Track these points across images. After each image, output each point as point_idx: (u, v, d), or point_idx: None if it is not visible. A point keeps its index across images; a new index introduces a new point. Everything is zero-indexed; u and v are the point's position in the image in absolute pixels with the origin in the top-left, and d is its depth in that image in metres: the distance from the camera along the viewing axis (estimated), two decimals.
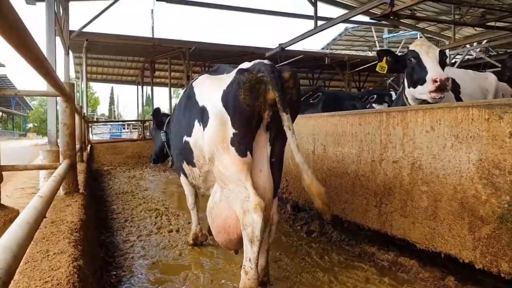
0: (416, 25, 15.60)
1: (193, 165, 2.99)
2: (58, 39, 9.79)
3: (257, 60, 2.67)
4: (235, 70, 2.62)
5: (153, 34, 19.33)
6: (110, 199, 6.35)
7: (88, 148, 11.18)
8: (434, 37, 16.01)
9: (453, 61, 18.00)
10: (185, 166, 3.22)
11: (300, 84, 2.70)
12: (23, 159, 13.71)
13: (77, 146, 5.73)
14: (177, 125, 3.29)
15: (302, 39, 12.07)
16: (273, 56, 15.69)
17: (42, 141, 31.68)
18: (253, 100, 2.43)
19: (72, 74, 26.54)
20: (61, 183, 2.69)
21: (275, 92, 2.40)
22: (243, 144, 2.48)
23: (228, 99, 2.50)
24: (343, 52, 25.41)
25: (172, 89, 20.19)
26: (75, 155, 3.55)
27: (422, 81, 3.70)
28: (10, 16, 1.06)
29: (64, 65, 10.94)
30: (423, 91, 3.68)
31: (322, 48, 30.24)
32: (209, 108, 2.64)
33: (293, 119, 2.56)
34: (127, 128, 31.68)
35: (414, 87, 3.83)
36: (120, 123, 35.40)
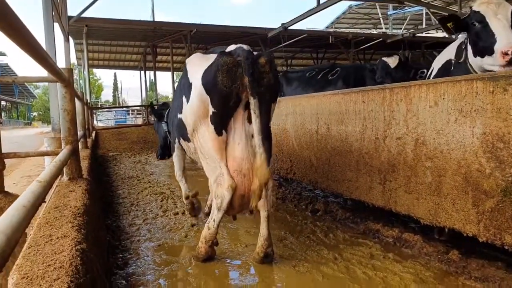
0: (421, 0, 15.28)
1: (188, 140, 3.20)
2: (56, 25, 9.73)
3: (239, 45, 2.87)
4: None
5: (153, 18, 19.15)
6: (116, 184, 6.39)
7: (93, 134, 11.22)
8: (440, 12, 15.69)
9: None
10: (182, 142, 3.46)
11: (277, 69, 2.92)
12: (28, 147, 13.81)
13: (80, 133, 5.75)
14: (175, 103, 3.53)
15: (305, 18, 11.89)
16: (276, 36, 15.50)
17: (47, 129, 31.85)
18: (231, 82, 2.66)
19: (74, 60, 26.51)
20: (62, 168, 2.70)
21: (245, 77, 2.64)
22: (220, 123, 2.77)
23: (208, 79, 2.74)
24: (347, 30, 25.05)
25: (175, 73, 20.10)
26: (77, 140, 3.55)
27: (490, 51, 3.12)
28: None
29: (64, 51, 10.90)
30: (493, 62, 3.12)
31: (326, 27, 29.88)
32: (193, 85, 2.88)
33: (272, 101, 2.87)
34: (132, 114, 31.70)
35: (482, 57, 3.24)
36: (124, 109, 35.41)
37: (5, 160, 3.10)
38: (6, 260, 0.88)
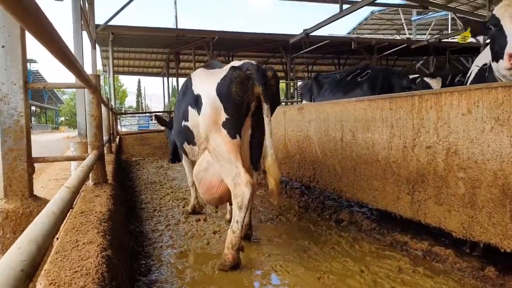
0: (447, 5, 15.00)
1: (194, 143, 3.49)
2: (84, 33, 9.95)
3: (246, 60, 3.23)
4: (227, 66, 3.19)
5: (176, 25, 19.38)
6: (139, 189, 6.44)
7: (117, 139, 11.38)
8: (467, 17, 15.36)
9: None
10: (185, 146, 3.73)
11: (279, 82, 3.26)
12: (56, 151, 14.13)
13: (106, 138, 5.82)
14: (177, 112, 3.80)
15: (327, 24, 11.82)
16: (297, 42, 15.47)
17: (73, 134, 32.57)
18: (243, 92, 2.98)
19: (100, 67, 27.08)
20: (89, 173, 2.71)
21: (259, 87, 2.98)
22: (233, 128, 3.04)
23: (222, 90, 3.03)
24: (370, 36, 24.79)
25: None
26: (102, 146, 3.58)
27: (502, 55, 3.02)
28: (31, 9, 1.04)
29: (91, 58, 11.13)
30: (500, 67, 3.07)
31: (348, 33, 29.67)
32: (203, 96, 3.17)
33: (273, 109, 3.16)
34: (155, 120, 32.09)
35: (497, 61, 3.16)
36: (147, 114, 35.90)
37: (34, 164, 3.15)
38: (37, 269, 0.86)
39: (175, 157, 5.32)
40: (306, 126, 5.13)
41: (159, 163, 10.09)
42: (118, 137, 12.20)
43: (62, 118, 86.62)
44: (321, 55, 23.16)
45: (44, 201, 3.02)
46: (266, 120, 2.98)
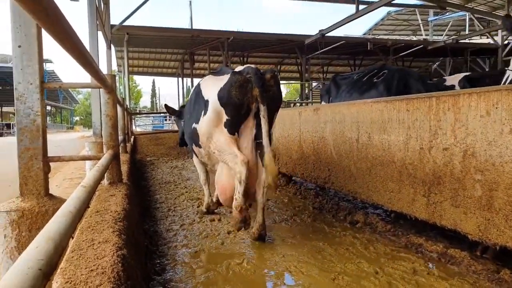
0: (465, 5, 14.76)
1: (200, 146, 3.80)
2: (100, 33, 10.08)
3: (247, 65, 3.51)
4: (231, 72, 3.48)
5: (191, 25, 19.52)
6: (153, 188, 6.49)
7: (132, 139, 11.50)
8: (485, 17, 15.10)
9: (505, 42, 16.95)
10: (194, 148, 4.06)
11: (279, 83, 3.52)
12: (71, 150, 14.34)
13: (121, 137, 5.89)
14: (188, 115, 4.09)
15: (343, 24, 11.75)
16: (313, 43, 15.42)
17: (88, 133, 33.02)
18: (242, 95, 3.28)
19: (115, 67, 27.43)
20: (104, 173, 2.75)
21: (256, 88, 3.25)
22: (232, 127, 3.40)
23: (223, 95, 3.36)
24: (386, 37, 24.56)
25: None
26: (118, 145, 3.62)
27: None
28: (50, 8, 1.05)
29: (106, 58, 11.28)
30: None
31: (364, 34, 29.46)
32: (210, 101, 3.50)
33: (275, 110, 3.53)
34: (169, 120, 32.36)
35: None
36: (162, 114, 36.20)
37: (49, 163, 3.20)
38: (55, 268, 0.87)
39: (183, 142, 5.51)
40: (321, 127, 5.11)
41: (173, 163, 10.16)
42: (132, 137, 12.33)
43: (77, 118, 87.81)
44: (336, 56, 23.05)
45: (59, 200, 3.07)
46: (262, 120, 3.27)
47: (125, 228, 2.44)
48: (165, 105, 5.88)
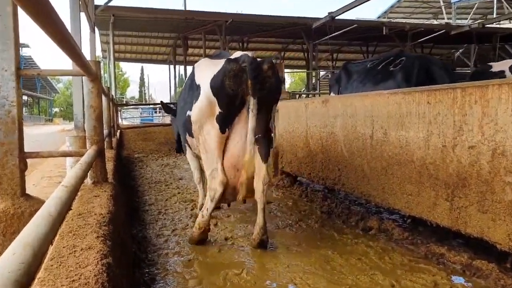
0: None
1: (193, 136, 3.87)
2: (82, 15, 10.06)
3: (244, 52, 3.56)
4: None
5: (185, 6, 19.48)
6: (142, 189, 6.49)
7: (118, 133, 11.50)
8: None
9: None
10: (188, 138, 4.15)
11: (278, 74, 3.57)
12: (49, 146, 14.33)
13: (106, 131, 5.88)
14: (182, 102, 4.18)
15: (356, 6, 11.71)
16: (321, 27, 15.38)
17: (69, 127, 33.02)
18: (237, 86, 3.32)
19: (99, 53, 27.37)
20: (88, 171, 2.74)
21: (249, 80, 3.28)
22: (224, 122, 3.45)
23: (216, 84, 3.40)
24: (403, 21, 24.47)
25: None
26: (103, 140, 3.62)
27: None
28: None
29: (89, 43, 11.25)
30: None
31: (378, 17, 29.41)
32: (201, 87, 3.56)
33: (273, 103, 3.69)
34: (159, 112, 32.38)
35: None
36: (151, 106, 36.21)
37: (26, 160, 3.19)
38: (33, 278, 0.86)
39: (180, 147, 5.48)
40: (331, 121, 5.09)
41: (164, 161, 10.16)
42: (119, 131, 12.33)
43: (57, 109, 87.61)
44: (347, 42, 23.03)
45: (37, 201, 3.06)
46: (250, 114, 3.35)
47: (111, 233, 2.43)
48: (161, 102, 5.89)
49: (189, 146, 4.43)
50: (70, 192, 1.58)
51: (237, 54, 3.64)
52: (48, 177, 8.11)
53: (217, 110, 3.45)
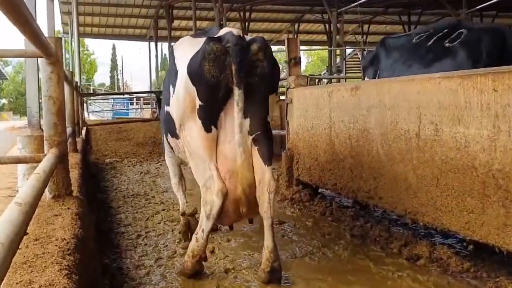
0: None
1: (177, 136, 3.95)
2: None
3: (230, 29, 3.65)
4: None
5: None
6: (116, 204, 6.49)
7: (83, 132, 11.51)
8: None
9: None
10: (170, 139, 4.26)
11: (272, 55, 3.65)
12: None
13: (69, 130, 5.88)
14: (163, 94, 4.40)
15: None
16: None
17: (21, 123, 33.14)
18: (219, 71, 3.36)
19: (58, 27, 27.50)
20: (47, 182, 2.72)
21: (233, 64, 3.32)
22: (208, 118, 3.51)
23: (194, 69, 3.46)
24: None
25: None
26: (65, 142, 3.60)
27: None
28: None
29: (47, 14, 11.26)
30: None
31: None
32: (179, 74, 3.66)
33: (269, 92, 3.70)
34: (137, 104, 32.50)
35: None
36: (126, 96, 36.33)
37: None
38: None
39: None
40: (363, 115, 5.06)
41: (143, 167, 10.18)
42: (84, 128, 12.35)
43: (4, 101, 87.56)
44: (382, 10, 23.00)
45: None
46: (236, 109, 3.41)
47: (77, 264, 2.41)
48: (157, 95, 5.97)
49: (171, 148, 4.52)
50: (25, 213, 1.56)
51: (223, 31, 3.70)
52: None
53: (197, 102, 3.50)
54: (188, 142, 3.69)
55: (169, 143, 4.40)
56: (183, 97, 3.58)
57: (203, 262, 3.77)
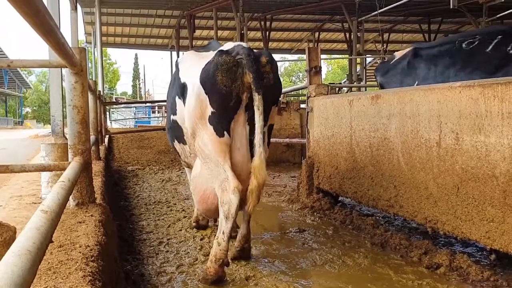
0: None
1: (184, 142, 4.35)
2: None
3: (238, 43, 3.95)
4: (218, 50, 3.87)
5: None
6: (138, 212, 6.53)
7: (106, 140, 11.60)
8: None
9: None
10: (176, 145, 4.64)
11: (277, 69, 4.01)
12: (21, 156, 14.57)
13: (92, 138, 5.95)
14: (168, 103, 4.67)
15: None
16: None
17: (44, 131, 33.49)
18: (231, 82, 3.63)
19: (82, 37, 27.85)
20: (72, 190, 2.76)
21: (249, 74, 3.59)
22: (220, 124, 3.76)
23: (206, 79, 3.73)
24: None
25: None
26: (89, 150, 3.65)
27: None
28: None
29: (70, 24, 11.41)
30: None
31: None
32: (189, 85, 3.94)
33: (272, 103, 4.00)
34: (159, 112, 32.66)
35: None
36: (148, 104, 36.58)
37: None
38: None
39: None
40: (383, 123, 5.04)
41: (165, 175, 10.22)
42: (107, 136, 12.45)
43: (28, 109, 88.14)
44: (402, 18, 22.87)
45: (7, 229, 3.09)
46: (256, 113, 3.64)
47: (101, 270, 2.44)
48: None
49: (178, 154, 4.88)
50: (51, 220, 1.58)
51: (228, 45, 3.99)
52: (18, 196, 8.20)
53: (209, 110, 3.77)
54: (200, 147, 3.94)
55: (175, 148, 4.75)
56: (194, 106, 3.85)
57: (225, 269, 3.81)
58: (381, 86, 6.88)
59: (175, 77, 4.31)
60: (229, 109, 3.76)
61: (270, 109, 3.98)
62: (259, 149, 3.67)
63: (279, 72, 4.13)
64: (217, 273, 3.71)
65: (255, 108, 3.63)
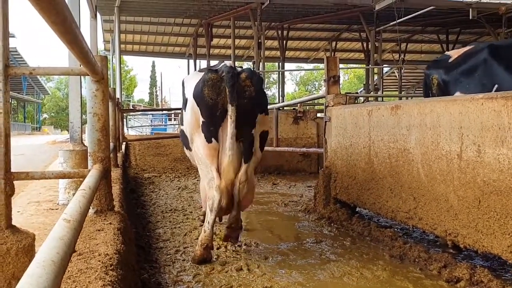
0: None
1: (190, 149, 4.95)
2: None
3: (225, 62, 4.66)
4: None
5: None
6: (154, 219, 6.54)
7: (123, 147, 11.65)
8: None
9: None
10: (186, 151, 5.39)
11: (260, 83, 4.61)
12: (39, 162, 14.68)
13: (111, 145, 5.97)
14: (179, 117, 5.64)
15: None
16: (386, 9, 15.28)
17: (61, 137, 33.73)
18: (216, 95, 4.31)
19: (101, 45, 28.10)
20: (93, 199, 2.75)
21: (226, 88, 4.23)
22: (209, 132, 4.44)
23: (197, 94, 4.46)
24: (497, 1, 24.07)
25: (236, 62, 20.50)
26: (109, 158, 3.66)
27: None
28: None
29: (90, 32, 11.50)
30: None
31: None
32: (188, 99, 4.69)
33: (258, 112, 4.62)
34: (175, 120, 32.78)
35: None
36: (164, 112, 36.74)
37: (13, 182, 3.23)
38: None
39: None
40: (403, 134, 5.00)
41: (181, 182, 10.24)
42: (124, 143, 12.51)
43: (45, 115, 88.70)
44: (420, 28, 22.79)
45: (26, 236, 3.08)
46: (229, 121, 4.26)
47: (120, 280, 2.43)
48: None
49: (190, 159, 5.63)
50: (74, 229, 1.57)
51: (221, 64, 4.65)
52: (36, 202, 8.24)
53: (201, 119, 4.48)
54: (196, 152, 4.70)
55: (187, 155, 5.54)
56: (190, 116, 4.62)
57: (211, 252, 4.57)
58: (445, 84, 6.30)
59: (182, 93, 5.07)
60: (216, 118, 4.42)
61: (255, 116, 4.58)
62: (229, 152, 4.34)
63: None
64: (202, 255, 4.45)
65: (228, 117, 4.27)
